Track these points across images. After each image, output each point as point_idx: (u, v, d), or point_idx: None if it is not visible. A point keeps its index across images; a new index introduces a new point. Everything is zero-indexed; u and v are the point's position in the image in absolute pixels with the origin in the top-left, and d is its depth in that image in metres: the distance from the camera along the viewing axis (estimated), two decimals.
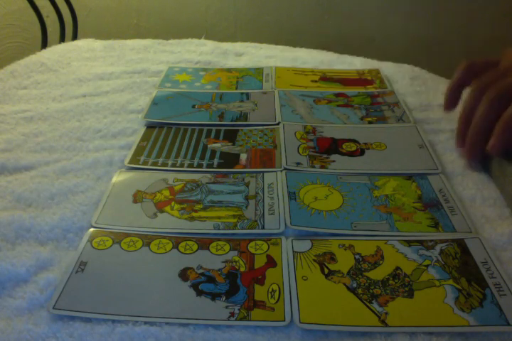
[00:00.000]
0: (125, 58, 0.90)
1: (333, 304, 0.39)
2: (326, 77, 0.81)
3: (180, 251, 0.45)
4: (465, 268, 0.42)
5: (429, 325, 0.38)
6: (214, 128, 0.65)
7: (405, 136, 0.63)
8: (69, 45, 0.97)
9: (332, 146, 0.61)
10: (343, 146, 0.61)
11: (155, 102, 0.72)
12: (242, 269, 0.43)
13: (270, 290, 0.41)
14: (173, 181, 0.55)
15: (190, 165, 0.58)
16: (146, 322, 0.38)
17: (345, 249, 0.45)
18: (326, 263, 0.43)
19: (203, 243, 0.46)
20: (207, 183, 0.54)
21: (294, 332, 0.37)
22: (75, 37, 1.30)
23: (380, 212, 0.50)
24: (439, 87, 0.77)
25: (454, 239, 0.46)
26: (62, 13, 1.26)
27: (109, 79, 0.81)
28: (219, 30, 1.37)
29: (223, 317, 0.38)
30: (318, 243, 0.46)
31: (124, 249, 0.45)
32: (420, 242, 0.46)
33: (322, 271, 0.42)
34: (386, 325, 0.37)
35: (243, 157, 0.59)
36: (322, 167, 0.57)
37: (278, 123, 0.67)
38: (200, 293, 0.40)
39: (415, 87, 0.78)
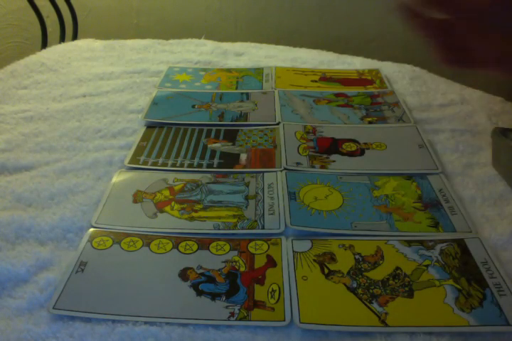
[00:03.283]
0: (125, 58, 0.90)
1: (333, 304, 0.39)
2: (325, 77, 0.81)
3: (180, 251, 0.45)
4: (465, 268, 0.42)
5: (429, 325, 0.38)
6: (214, 128, 0.65)
7: (405, 136, 0.63)
8: (69, 45, 0.97)
9: (332, 146, 0.61)
10: (343, 146, 0.61)
11: (155, 102, 0.72)
12: (242, 269, 0.43)
13: (270, 290, 0.41)
14: (173, 181, 0.55)
15: (190, 165, 0.58)
16: (146, 322, 0.38)
17: (345, 249, 0.45)
18: (326, 263, 0.43)
19: (203, 243, 0.46)
20: (207, 183, 0.54)
21: (294, 332, 0.37)
22: (75, 37, 1.30)
23: (380, 212, 0.50)
24: (439, 87, 0.77)
25: (454, 239, 0.46)
26: (62, 13, 1.26)
27: (109, 79, 0.81)
28: (219, 30, 1.37)
29: (223, 317, 0.38)
30: (318, 243, 0.46)
31: (124, 249, 0.45)
32: (420, 242, 0.45)
33: (322, 271, 0.42)
34: (386, 325, 0.37)
35: (243, 157, 0.59)
36: (322, 167, 0.57)
37: (278, 123, 0.66)
38: (200, 293, 0.40)
39: (415, 87, 0.78)
